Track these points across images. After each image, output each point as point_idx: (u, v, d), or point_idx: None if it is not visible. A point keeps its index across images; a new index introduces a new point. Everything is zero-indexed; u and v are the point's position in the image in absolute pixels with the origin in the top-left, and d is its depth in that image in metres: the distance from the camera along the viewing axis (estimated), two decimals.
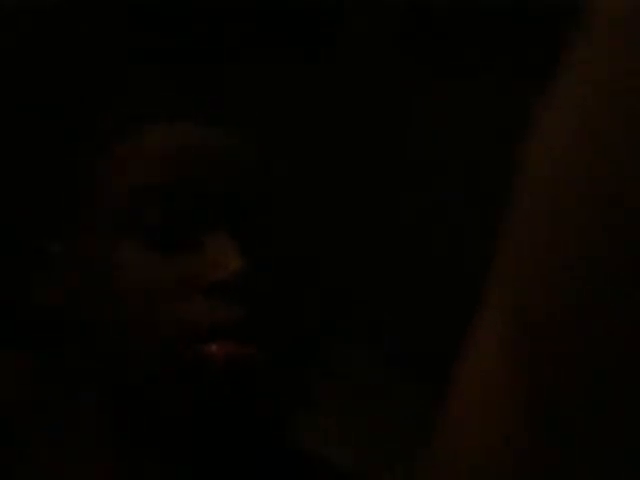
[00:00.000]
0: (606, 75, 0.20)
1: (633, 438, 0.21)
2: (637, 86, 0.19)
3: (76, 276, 0.49)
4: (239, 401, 0.45)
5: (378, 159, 1.40)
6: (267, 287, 0.47)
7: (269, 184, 0.52)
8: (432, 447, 0.29)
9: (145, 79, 0.60)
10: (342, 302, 1.34)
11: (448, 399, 0.28)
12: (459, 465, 0.27)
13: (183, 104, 0.53)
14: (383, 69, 1.40)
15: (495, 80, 1.33)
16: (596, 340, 0.21)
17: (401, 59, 1.39)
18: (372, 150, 1.40)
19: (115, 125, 0.51)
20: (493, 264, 0.27)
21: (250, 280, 0.45)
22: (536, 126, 0.24)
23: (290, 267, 0.52)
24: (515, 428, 0.25)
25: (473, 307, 0.29)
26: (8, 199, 0.56)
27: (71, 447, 0.50)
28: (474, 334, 0.27)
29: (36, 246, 0.51)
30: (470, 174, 1.37)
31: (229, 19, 1.32)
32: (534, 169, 0.24)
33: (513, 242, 0.25)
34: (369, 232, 1.41)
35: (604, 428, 0.22)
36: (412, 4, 1.37)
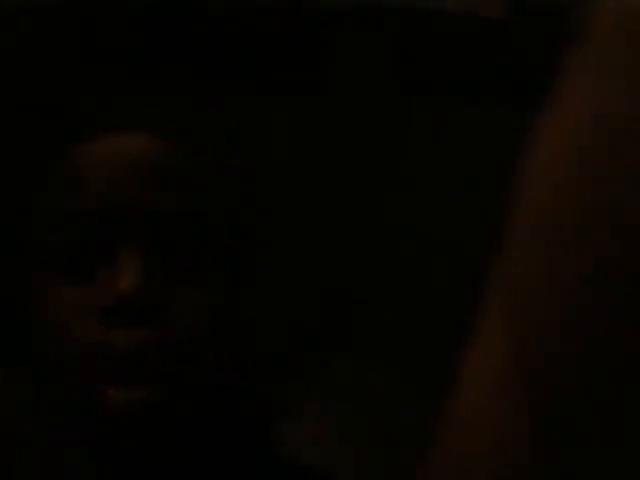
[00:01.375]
0: (606, 106, 0.20)
1: (634, 439, 0.21)
2: (637, 116, 0.19)
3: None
4: (140, 439, 0.44)
5: (373, 177, 1.40)
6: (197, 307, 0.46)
7: (226, 204, 0.50)
8: (433, 448, 0.29)
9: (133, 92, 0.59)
10: (338, 308, 1.34)
11: (450, 401, 0.28)
12: (462, 465, 0.27)
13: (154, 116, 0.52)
14: (374, 99, 1.40)
15: (484, 109, 1.34)
16: (597, 341, 0.21)
17: (392, 89, 1.40)
18: (367, 165, 1.40)
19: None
20: (493, 269, 0.26)
21: (158, 301, 0.44)
22: (531, 154, 0.24)
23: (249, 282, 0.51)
24: (516, 428, 0.25)
25: (472, 308, 0.29)
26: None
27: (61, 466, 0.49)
28: (476, 336, 0.27)
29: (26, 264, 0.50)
30: (467, 187, 1.38)
31: (222, 50, 1.32)
32: (529, 197, 0.24)
33: (512, 248, 0.25)
34: (365, 238, 1.41)
35: (605, 428, 0.22)
36: (402, 36, 1.37)
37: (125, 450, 0.44)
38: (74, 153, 0.49)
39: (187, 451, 0.48)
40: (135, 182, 0.47)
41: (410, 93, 1.38)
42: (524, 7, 1.27)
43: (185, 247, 0.47)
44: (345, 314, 1.35)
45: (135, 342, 0.43)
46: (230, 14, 1.27)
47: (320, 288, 1.35)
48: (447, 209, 1.38)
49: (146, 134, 0.50)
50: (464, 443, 0.27)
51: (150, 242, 0.46)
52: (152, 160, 0.48)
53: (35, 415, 0.52)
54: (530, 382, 0.24)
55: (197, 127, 0.52)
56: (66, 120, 0.54)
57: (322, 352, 1.33)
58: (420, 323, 1.36)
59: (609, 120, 0.20)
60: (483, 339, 0.27)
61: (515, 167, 0.26)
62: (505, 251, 0.26)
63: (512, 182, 0.26)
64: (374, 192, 1.39)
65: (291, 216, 1.29)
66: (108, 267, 0.45)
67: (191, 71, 1.26)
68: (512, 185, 0.25)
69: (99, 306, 0.44)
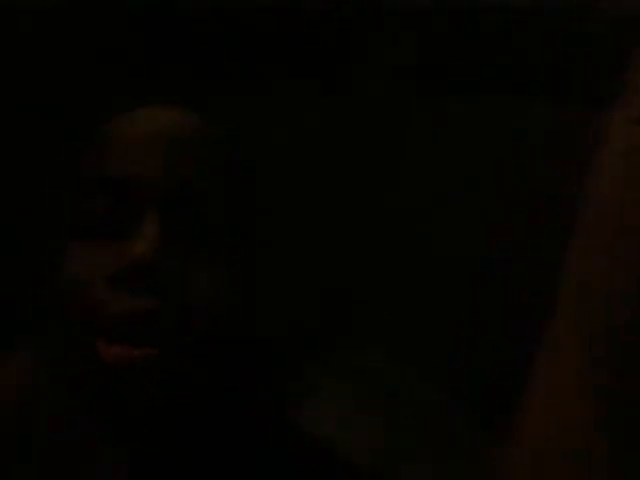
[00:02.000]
0: None
1: None
2: None
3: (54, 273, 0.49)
4: (142, 400, 0.44)
5: (383, 174, 1.41)
6: (201, 284, 0.46)
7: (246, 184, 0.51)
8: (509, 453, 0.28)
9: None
10: (350, 298, 1.35)
11: (522, 414, 0.28)
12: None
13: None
14: (396, 100, 1.41)
15: (495, 100, 1.35)
16: None
17: (412, 90, 1.41)
18: (377, 163, 1.41)
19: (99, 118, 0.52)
20: (559, 295, 0.26)
21: (170, 271, 0.44)
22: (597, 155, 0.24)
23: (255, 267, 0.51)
24: (595, 438, 0.25)
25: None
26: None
27: (76, 446, 0.50)
28: (547, 358, 0.27)
29: (39, 245, 0.52)
30: (471, 182, 1.38)
31: (248, 52, 1.33)
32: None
33: (580, 272, 0.25)
34: (372, 232, 1.41)
35: None
36: (424, 38, 1.38)
37: (128, 410, 0.45)
38: (108, 126, 0.50)
39: (191, 423, 0.48)
40: (162, 154, 0.47)
41: (431, 95, 1.39)
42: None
43: (203, 223, 0.48)
44: (347, 305, 1.36)
45: (143, 308, 0.43)
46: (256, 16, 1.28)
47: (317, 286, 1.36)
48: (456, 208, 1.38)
49: (178, 108, 0.50)
50: (544, 449, 0.26)
51: (170, 215, 0.46)
52: (181, 133, 0.49)
53: (48, 381, 0.53)
54: (609, 397, 0.24)
55: (229, 109, 0.53)
56: (99, 93, 0.55)
57: (344, 338, 1.34)
58: (420, 321, 1.36)
59: None
60: (555, 345, 0.26)
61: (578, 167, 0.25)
62: (574, 260, 0.26)
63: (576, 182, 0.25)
64: (387, 187, 1.40)
65: (293, 209, 1.29)
66: (123, 237, 0.46)
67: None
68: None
69: (113, 270, 0.44)
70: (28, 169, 0.55)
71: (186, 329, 0.45)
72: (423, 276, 1.46)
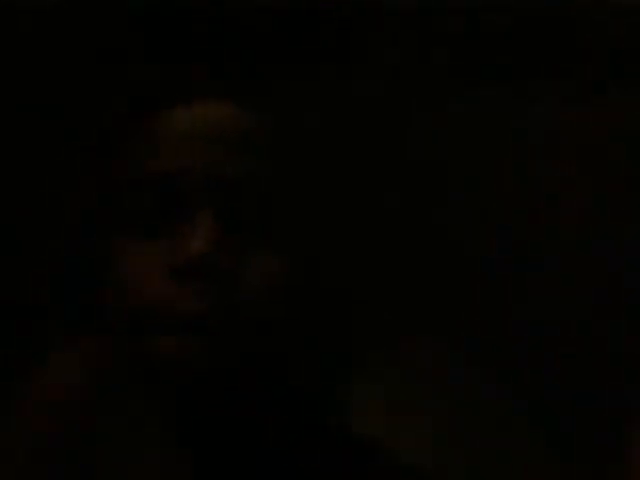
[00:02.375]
0: None
1: None
2: None
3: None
4: (199, 393, 0.45)
5: (397, 165, 1.40)
6: (257, 277, 0.46)
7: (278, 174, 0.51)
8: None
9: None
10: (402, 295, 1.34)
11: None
12: None
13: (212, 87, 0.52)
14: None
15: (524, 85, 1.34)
16: None
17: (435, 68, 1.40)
18: (390, 155, 1.40)
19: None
20: None
21: (227, 265, 0.45)
22: None
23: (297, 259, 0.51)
24: None
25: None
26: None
27: (136, 433, 0.50)
28: None
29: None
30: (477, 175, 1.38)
31: (267, 36, 1.33)
32: None
33: None
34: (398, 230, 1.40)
35: None
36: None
37: (185, 403, 0.45)
38: (153, 118, 0.49)
39: (239, 412, 0.49)
40: (210, 147, 0.47)
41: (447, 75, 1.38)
42: None
43: (256, 215, 0.48)
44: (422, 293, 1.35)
45: (201, 303, 0.44)
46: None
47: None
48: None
49: (224, 101, 0.50)
50: None
51: (223, 208, 0.47)
52: (230, 126, 0.48)
53: (106, 374, 0.53)
54: None
55: (274, 97, 0.53)
56: (144, 87, 0.55)
57: (399, 329, 1.33)
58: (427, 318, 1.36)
59: None
60: None
61: None
62: None
63: None
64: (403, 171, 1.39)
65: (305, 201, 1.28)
66: (181, 230, 0.46)
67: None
68: None
69: (170, 266, 0.44)
70: (104, 135, 0.55)
71: (243, 320, 0.45)
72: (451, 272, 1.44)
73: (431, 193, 1.47)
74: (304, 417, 0.55)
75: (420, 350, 1.41)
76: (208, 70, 0.56)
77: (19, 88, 1.19)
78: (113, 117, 0.53)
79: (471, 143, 1.39)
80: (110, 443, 0.51)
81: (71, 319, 0.56)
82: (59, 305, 0.59)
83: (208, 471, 0.49)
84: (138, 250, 0.46)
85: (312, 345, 0.55)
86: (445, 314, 1.45)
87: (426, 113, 1.44)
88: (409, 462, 0.56)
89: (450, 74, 1.44)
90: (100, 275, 0.49)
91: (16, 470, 0.50)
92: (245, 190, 0.47)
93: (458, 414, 1.27)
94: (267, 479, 0.51)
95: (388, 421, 1.18)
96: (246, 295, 0.45)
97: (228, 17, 1.37)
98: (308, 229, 0.53)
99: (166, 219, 0.46)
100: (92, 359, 0.54)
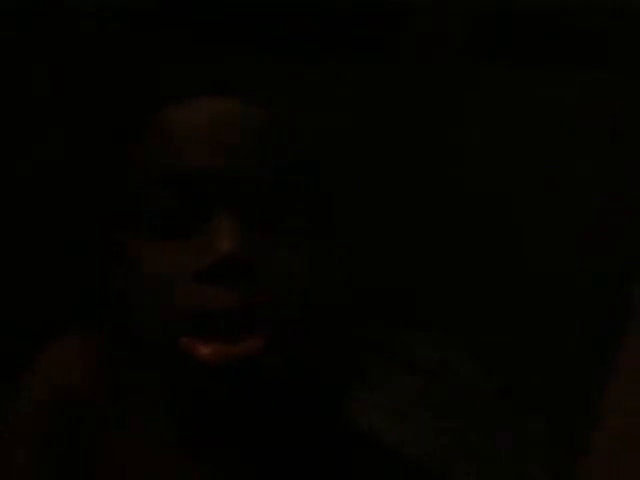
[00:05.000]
0: None
1: None
2: None
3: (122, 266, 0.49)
4: (231, 395, 0.44)
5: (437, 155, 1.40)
6: (283, 277, 0.46)
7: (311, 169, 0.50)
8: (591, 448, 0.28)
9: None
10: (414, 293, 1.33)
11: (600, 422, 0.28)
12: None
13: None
14: (443, 68, 1.41)
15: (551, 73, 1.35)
16: None
17: (461, 57, 1.40)
18: (429, 147, 1.40)
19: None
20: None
21: (253, 265, 0.44)
22: None
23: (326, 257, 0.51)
24: None
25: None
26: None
27: (137, 429, 0.50)
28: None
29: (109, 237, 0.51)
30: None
31: (300, 22, 1.33)
32: None
33: None
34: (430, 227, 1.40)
35: None
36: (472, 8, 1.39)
37: (212, 405, 0.45)
38: (169, 117, 0.49)
39: (265, 412, 0.49)
40: (235, 146, 0.47)
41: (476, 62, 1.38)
42: None
43: (279, 212, 0.47)
44: (424, 293, 1.35)
45: (230, 304, 0.43)
46: None
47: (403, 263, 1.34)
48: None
49: (242, 99, 0.50)
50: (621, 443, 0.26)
51: (246, 206, 0.46)
52: (251, 124, 0.48)
53: (122, 378, 0.53)
54: None
55: (292, 94, 0.52)
56: (158, 84, 0.54)
57: (400, 328, 1.33)
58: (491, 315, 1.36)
59: None
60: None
61: None
62: None
63: None
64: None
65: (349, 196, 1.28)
66: (204, 231, 0.46)
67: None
68: None
69: (196, 268, 0.44)
70: (120, 138, 0.54)
71: (277, 320, 0.45)
72: (487, 265, 1.43)
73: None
74: (317, 417, 0.55)
75: (420, 347, 1.42)
76: (233, 67, 0.55)
77: (20, 88, 1.17)
78: (132, 116, 0.52)
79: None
80: (116, 442, 0.51)
81: (82, 317, 0.56)
82: (71, 303, 0.59)
83: (219, 470, 0.50)
84: (158, 251, 0.46)
85: (326, 344, 0.55)
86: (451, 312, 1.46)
87: (482, 108, 1.43)
88: (407, 456, 0.56)
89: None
90: (115, 274, 0.49)
91: (16, 469, 0.50)
92: (268, 189, 0.47)
93: (457, 409, 1.29)
94: (274, 475, 0.51)
95: (387, 418, 1.19)
96: (271, 293, 0.45)
97: (241, 13, 1.36)
98: (342, 228, 0.54)
99: (187, 219, 0.46)
100: (93, 356, 0.54)
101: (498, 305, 1.36)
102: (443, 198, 1.38)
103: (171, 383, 0.47)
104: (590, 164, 1.27)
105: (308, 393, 0.54)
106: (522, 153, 1.36)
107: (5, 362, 0.58)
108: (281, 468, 0.51)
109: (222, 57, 1.17)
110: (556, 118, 1.32)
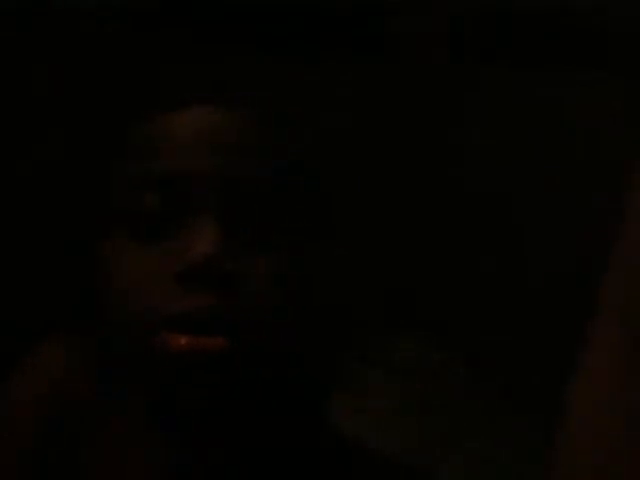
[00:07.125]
0: None
1: None
2: None
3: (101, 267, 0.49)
4: (205, 392, 0.44)
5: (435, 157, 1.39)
6: (265, 279, 0.46)
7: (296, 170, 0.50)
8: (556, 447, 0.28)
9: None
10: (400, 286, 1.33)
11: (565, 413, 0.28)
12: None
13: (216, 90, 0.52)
14: (443, 68, 1.41)
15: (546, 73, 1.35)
16: None
17: (458, 57, 1.40)
18: (427, 148, 1.40)
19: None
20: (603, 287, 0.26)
21: (232, 267, 0.44)
22: None
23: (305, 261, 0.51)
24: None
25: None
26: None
27: (120, 432, 0.51)
28: (592, 336, 0.27)
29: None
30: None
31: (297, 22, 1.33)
32: None
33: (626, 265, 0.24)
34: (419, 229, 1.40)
35: None
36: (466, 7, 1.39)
37: (185, 403, 0.45)
38: (150, 121, 0.49)
39: (240, 412, 0.49)
40: (214, 150, 0.47)
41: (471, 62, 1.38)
42: None
43: (258, 216, 0.47)
44: (408, 292, 1.35)
45: (207, 306, 0.44)
46: None
47: (386, 264, 1.35)
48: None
49: (222, 102, 0.50)
50: (583, 444, 0.26)
51: (225, 210, 0.46)
52: (229, 127, 0.48)
53: (97, 378, 0.53)
54: None
55: (270, 95, 0.53)
56: (141, 90, 0.54)
57: (385, 328, 1.33)
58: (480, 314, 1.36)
59: None
60: (599, 338, 0.26)
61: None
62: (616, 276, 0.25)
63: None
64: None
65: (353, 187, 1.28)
66: (182, 234, 0.46)
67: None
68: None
69: (174, 271, 0.44)
70: (103, 140, 0.54)
71: (249, 322, 0.45)
72: (467, 257, 1.44)
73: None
74: (302, 418, 0.55)
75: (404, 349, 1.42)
76: (233, 67, 0.56)
77: (19, 88, 1.17)
78: (115, 118, 0.53)
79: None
80: (100, 443, 0.51)
81: (66, 319, 0.56)
82: (55, 304, 0.59)
83: (206, 470, 0.49)
84: (139, 252, 0.46)
85: (307, 345, 0.55)
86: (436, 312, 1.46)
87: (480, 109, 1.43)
88: (395, 461, 0.56)
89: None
90: (98, 276, 0.49)
91: (4, 470, 0.50)
92: (247, 192, 0.47)
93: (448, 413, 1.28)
94: (257, 476, 0.51)
95: (376, 419, 1.19)
96: (250, 297, 0.45)
97: (237, 14, 1.36)
98: (314, 229, 0.53)
99: (168, 221, 0.46)
100: (77, 357, 0.54)
101: (498, 305, 1.36)
102: (443, 198, 1.38)
103: (145, 381, 0.47)
104: (590, 164, 1.27)
105: (290, 395, 0.54)
106: (522, 153, 1.36)
107: (5, 362, 0.58)
108: (264, 470, 0.51)
109: (222, 57, 1.18)
110: (556, 118, 1.32)
